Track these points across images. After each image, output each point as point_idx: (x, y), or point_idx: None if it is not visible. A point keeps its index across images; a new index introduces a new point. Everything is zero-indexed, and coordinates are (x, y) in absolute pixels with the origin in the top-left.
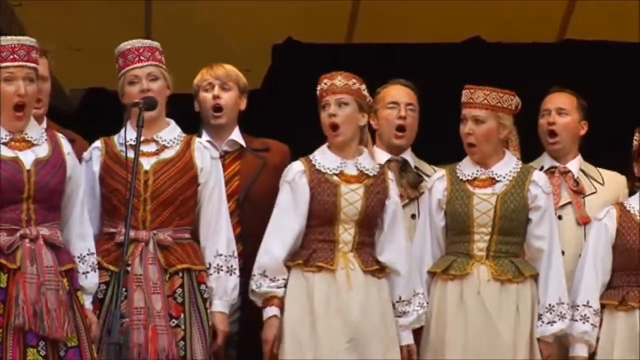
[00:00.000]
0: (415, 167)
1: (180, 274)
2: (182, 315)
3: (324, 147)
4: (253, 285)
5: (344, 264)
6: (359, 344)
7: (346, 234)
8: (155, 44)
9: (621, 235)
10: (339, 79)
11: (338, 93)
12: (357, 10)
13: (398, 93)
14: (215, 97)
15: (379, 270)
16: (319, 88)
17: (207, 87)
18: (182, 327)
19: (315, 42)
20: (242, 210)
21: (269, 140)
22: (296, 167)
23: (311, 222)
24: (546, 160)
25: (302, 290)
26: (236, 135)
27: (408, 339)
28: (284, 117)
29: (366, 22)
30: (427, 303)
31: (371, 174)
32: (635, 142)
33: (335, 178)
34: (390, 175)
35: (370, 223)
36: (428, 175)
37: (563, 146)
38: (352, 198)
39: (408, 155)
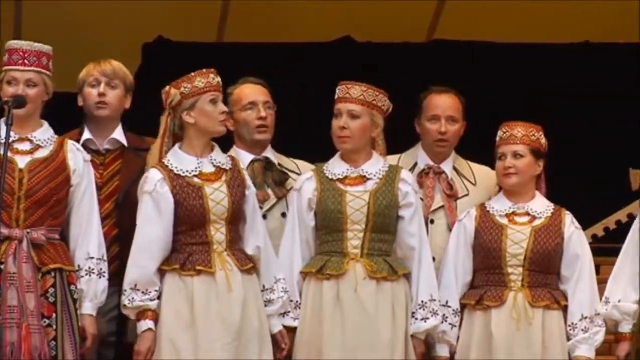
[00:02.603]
0: (278, 163)
1: (53, 274)
2: (54, 315)
3: (176, 148)
4: (125, 300)
5: (221, 265)
6: (240, 344)
7: (218, 233)
8: (46, 48)
9: (479, 235)
10: (212, 77)
11: (213, 91)
12: (228, 10)
13: (254, 93)
14: (101, 94)
15: (252, 267)
16: (189, 85)
17: (93, 83)
18: (54, 326)
19: (185, 41)
20: (120, 211)
21: (152, 140)
22: (155, 176)
23: (181, 228)
24: (420, 158)
25: (180, 295)
26: (118, 133)
27: (278, 325)
28: (155, 116)
29: (237, 21)
30: (289, 292)
31: (227, 167)
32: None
33: (196, 180)
34: (241, 165)
35: (237, 218)
36: (291, 171)
37: (448, 150)
38: (218, 197)
39: (269, 153)
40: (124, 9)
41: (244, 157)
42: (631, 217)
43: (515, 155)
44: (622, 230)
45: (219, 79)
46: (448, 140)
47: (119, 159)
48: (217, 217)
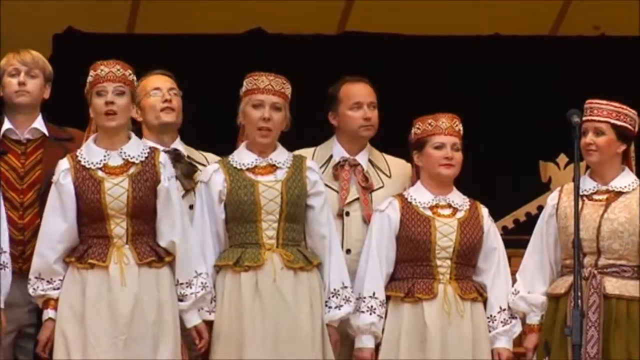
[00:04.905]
0: (187, 156)
1: None
2: None
3: (90, 140)
4: (30, 289)
5: (117, 259)
6: (130, 339)
7: (118, 228)
8: None
9: (405, 226)
10: (118, 68)
11: (117, 82)
12: (139, 1)
13: (158, 80)
14: (21, 84)
15: (157, 260)
16: (93, 73)
17: (12, 72)
18: None
19: (96, 32)
20: (42, 201)
21: (72, 130)
22: (61, 166)
23: (83, 220)
24: (336, 151)
25: (75, 288)
26: (39, 123)
27: (193, 320)
28: (65, 107)
29: (148, 12)
30: (208, 287)
31: (137, 161)
32: (412, 134)
33: (100, 173)
34: (162, 158)
35: (143, 212)
36: (200, 164)
37: (373, 133)
38: (116, 192)
39: (179, 145)
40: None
41: None
42: (541, 209)
43: (455, 147)
44: (532, 223)
45: (122, 71)
46: (373, 125)
47: (40, 148)
48: (116, 212)
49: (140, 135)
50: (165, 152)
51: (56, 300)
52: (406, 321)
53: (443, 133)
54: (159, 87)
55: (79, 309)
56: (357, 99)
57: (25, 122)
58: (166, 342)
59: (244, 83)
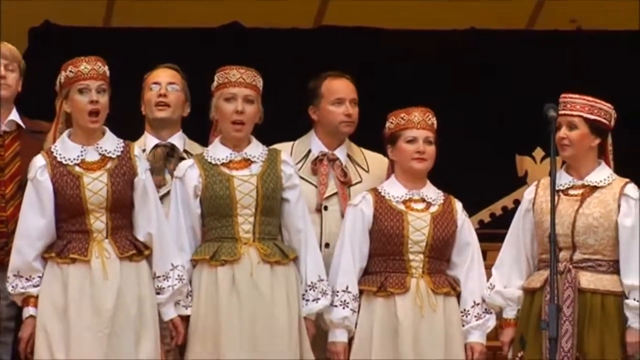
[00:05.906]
0: (185, 150)
1: None
2: None
3: (64, 135)
4: (9, 287)
5: (99, 253)
6: (113, 332)
7: (98, 222)
8: None
9: (378, 221)
10: (100, 66)
11: (99, 79)
12: None
13: (160, 75)
14: (2, 77)
15: (137, 254)
16: (74, 69)
17: None
18: None
19: (73, 25)
20: (24, 192)
21: (43, 123)
22: (37, 163)
23: (62, 216)
24: (314, 145)
25: (56, 283)
26: (15, 115)
27: (170, 313)
28: (41, 100)
29: (125, 6)
30: (184, 280)
31: (114, 156)
32: (386, 129)
33: (77, 169)
34: (136, 151)
35: (121, 205)
36: None
37: (353, 129)
38: (96, 187)
39: (177, 139)
40: None
41: (150, 142)
42: (517, 203)
43: (427, 141)
44: (508, 216)
45: (103, 68)
46: (354, 122)
47: (17, 140)
48: (96, 207)
49: (143, 128)
50: (160, 145)
51: (36, 297)
52: (379, 315)
53: (415, 127)
54: (159, 81)
55: (61, 304)
56: (340, 94)
57: (2, 115)
58: (147, 337)
59: (215, 78)
